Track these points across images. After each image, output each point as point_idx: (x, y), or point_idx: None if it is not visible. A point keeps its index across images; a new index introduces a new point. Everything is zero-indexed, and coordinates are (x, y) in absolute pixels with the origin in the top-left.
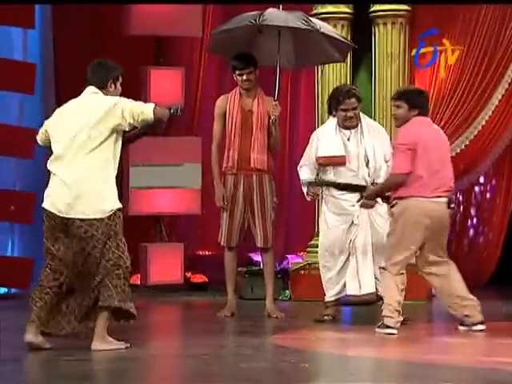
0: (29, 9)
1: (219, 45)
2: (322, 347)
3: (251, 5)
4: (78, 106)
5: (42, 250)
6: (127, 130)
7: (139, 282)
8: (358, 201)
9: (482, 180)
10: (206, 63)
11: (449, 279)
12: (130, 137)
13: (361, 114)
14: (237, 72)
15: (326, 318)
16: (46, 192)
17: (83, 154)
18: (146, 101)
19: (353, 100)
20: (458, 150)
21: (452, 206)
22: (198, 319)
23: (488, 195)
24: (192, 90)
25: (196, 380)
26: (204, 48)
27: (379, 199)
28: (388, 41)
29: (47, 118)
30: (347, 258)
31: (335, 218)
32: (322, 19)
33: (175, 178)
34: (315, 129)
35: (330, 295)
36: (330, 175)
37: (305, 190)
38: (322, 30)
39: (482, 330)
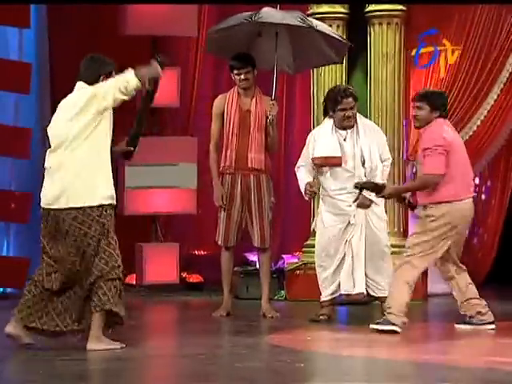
0: (24, 8)
1: (215, 44)
2: (317, 347)
3: (247, 5)
4: (65, 103)
5: (37, 250)
6: (116, 105)
7: (135, 282)
8: (355, 201)
9: (477, 181)
10: (201, 63)
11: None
12: (141, 111)
13: (357, 113)
14: (235, 71)
15: (321, 317)
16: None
17: (74, 145)
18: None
19: (350, 99)
20: None
21: None
22: (193, 319)
23: (483, 196)
24: (187, 90)
25: (192, 380)
26: (200, 48)
27: (379, 199)
28: (383, 41)
29: (43, 117)
30: (343, 258)
31: (332, 217)
32: (318, 19)
33: (171, 177)
34: (311, 130)
35: (326, 295)
36: (327, 175)
37: (302, 188)
38: (318, 27)
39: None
